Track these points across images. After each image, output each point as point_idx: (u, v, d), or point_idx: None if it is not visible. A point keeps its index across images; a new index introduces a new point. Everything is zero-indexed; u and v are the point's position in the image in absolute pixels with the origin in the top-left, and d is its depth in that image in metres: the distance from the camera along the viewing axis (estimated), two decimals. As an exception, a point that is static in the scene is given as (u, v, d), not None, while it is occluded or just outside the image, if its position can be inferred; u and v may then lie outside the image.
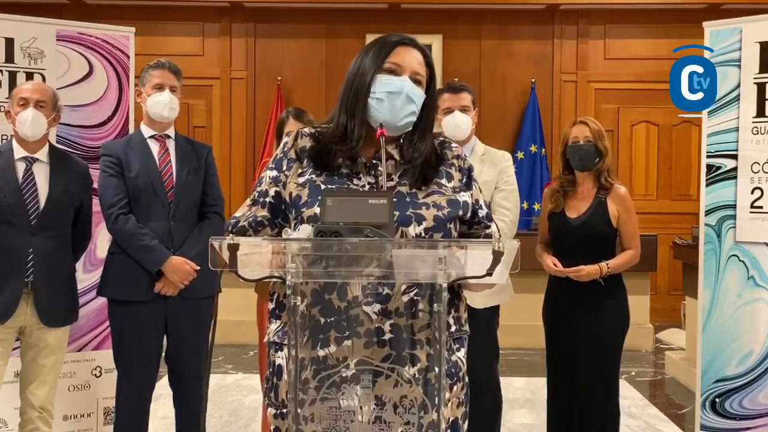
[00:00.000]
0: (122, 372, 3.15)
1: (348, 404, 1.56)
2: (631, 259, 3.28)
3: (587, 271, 3.20)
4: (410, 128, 1.78)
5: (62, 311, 3.11)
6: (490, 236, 1.82)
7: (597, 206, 3.27)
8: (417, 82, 1.77)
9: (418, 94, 1.77)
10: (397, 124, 1.74)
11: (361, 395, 1.56)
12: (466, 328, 1.82)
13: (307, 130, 1.84)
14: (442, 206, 1.72)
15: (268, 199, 1.78)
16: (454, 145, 1.88)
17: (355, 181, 1.74)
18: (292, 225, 1.73)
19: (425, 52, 1.82)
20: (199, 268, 3.08)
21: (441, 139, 1.88)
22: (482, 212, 1.84)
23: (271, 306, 1.80)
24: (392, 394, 1.57)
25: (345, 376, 1.57)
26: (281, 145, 1.85)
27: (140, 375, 3.12)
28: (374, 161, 1.76)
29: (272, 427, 1.76)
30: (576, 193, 3.33)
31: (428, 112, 1.82)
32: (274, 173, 1.80)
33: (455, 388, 1.74)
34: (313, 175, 1.74)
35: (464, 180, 1.82)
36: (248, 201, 1.83)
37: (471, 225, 1.82)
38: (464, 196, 1.78)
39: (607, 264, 3.21)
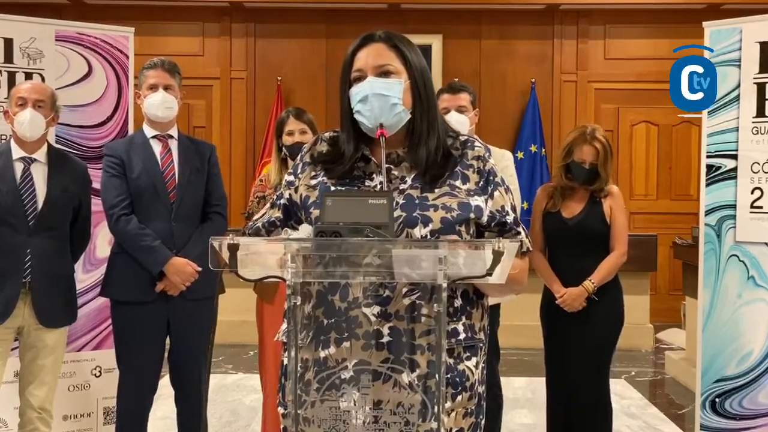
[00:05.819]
0: (124, 372, 3.14)
1: (346, 406, 1.55)
2: (616, 261, 3.28)
3: (570, 294, 3.21)
4: (405, 119, 1.72)
5: (60, 312, 3.10)
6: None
7: (592, 205, 3.29)
8: (385, 73, 1.71)
9: (385, 86, 1.69)
10: (387, 123, 1.69)
11: (359, 398, 1.55)
12: (481, 336, 1.73)
13: (327, 134, 1.85)
14: (451, 208, 1.67)
15: (282, 201, 1.83)
16: (477, 144, 1.80)
17: (367, 182, 1.73)
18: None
19: (389, 39, 1.74)
20: (201, 269, 3.06)
21: (465, 137, 1.81)
22: (509, 218, 1.76)
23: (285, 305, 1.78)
24: (391, 398, 1.55)
25: (344, 378, 1.56)
26: (302, 150, 1.87)
27: (142, 375, 3.12)
28: (386, 162, 1.73)
29: (282, 427, 1.73)
30: (571, 193, 3.34)
31: (424, 106, 1.74)
32: (291, 178, 1.84)
33: (459, 398, 1.66)
34: (325, 178, 1.76)
35: (481, 183, 1.74)
36: (268, 205, 1.88)
37: (501, 234, 1.75)
38: (477, 200, 1.71)
39: (590, 280, 3.21)
